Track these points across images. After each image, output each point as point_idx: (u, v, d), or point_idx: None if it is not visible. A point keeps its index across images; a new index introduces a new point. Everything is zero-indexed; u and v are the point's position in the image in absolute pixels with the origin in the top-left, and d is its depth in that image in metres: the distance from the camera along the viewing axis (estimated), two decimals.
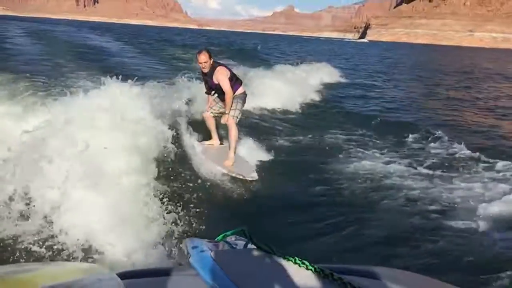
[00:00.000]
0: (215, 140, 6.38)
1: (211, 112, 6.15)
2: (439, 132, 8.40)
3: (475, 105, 14.85)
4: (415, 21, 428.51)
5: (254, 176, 5.39)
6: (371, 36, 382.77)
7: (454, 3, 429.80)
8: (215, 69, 5.68)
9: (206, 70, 5.69)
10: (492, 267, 3.59)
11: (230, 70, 5.92)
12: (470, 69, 34.53)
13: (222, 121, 5.86)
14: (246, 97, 6.00)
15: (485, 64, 44.37)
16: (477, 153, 6.99)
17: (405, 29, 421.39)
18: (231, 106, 5.69)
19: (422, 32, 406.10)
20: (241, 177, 5.34)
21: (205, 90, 6.18)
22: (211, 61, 5.67)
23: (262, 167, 5.92)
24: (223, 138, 6.53)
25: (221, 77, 5.65)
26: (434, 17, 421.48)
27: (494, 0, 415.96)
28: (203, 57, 5.59)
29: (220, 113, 6.10)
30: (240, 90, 5.86)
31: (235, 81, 5.82)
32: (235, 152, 5.79)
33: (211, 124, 6.27)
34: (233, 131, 5.74)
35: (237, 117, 5.80)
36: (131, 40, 38.14)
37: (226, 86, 5.63)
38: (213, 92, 6.02)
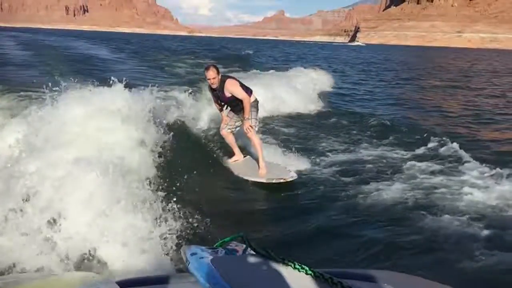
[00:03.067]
0: (238, 155, 6.29)
1: (228, 129, 6.11)
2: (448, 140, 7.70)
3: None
4: (404, 24, 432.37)
5: (293, 175, 5.41)
6: (361, 39, 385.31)
7: (441, 5, 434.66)
8: (224, 82, 5.62)
9: (215, 86, 5.64)
10: (492, 271, 3.56)
11: (238, 80, 5.89)
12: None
13: (245, 128, 5.72)
14: (258, 103, 5.95)
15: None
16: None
17: (394, 32, 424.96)
18: (249, 113, 5.65)
19: (411, 34, 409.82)
20: (282, 180, 5.34)
21: (216, 106, 6.12)
22: (219, 76, 5.61)
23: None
24: (243, 149, 6.53)
25: (234, 87, 5.62)
26: (422, 19, 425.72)
27: (481, 1, 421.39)
28: (211, 73, 5.52)
29: (236, 127, 6.10)
30: (251, 98, 5.81)
31: (245, 90, 5.76)
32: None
33: (231, 140, 6.22)
34: (256, 140, 5.74)
35: (255, 126, 5.78)
36: (129, 48, 37.98)
37: (241, 94, 5.61)
38: (225, 106, 5.98)
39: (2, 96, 7.47)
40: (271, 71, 14.61)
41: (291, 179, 5.37)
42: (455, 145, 7.26)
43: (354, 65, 34.62)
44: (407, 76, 26.47)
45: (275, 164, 5.95)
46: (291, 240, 4.10)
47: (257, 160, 5.82)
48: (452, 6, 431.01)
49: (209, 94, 6.76)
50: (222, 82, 5.63)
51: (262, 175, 5.57)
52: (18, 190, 3.55)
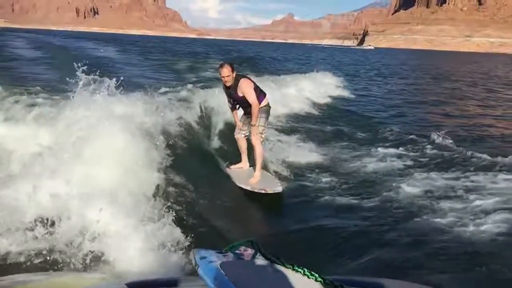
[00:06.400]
0: (244, 163, 6.10)
1: (242, 134, 5.96)
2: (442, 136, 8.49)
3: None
4: (412, 27, 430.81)
5: (278, 189, 5.32)
6: (369, 42, 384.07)
7: (451, 9, 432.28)
8: (238, 81, 5.46)
9: (229, 84, 5.50)
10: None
11: (253, 81, 5.68)
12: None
13: (251, 134, 5.61)
14: (270, 109, 5.75)
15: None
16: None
17: (402, 35, 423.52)
18: (256, 119, 5.51)
19: (420, 38, 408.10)
20: (263, 191, 5.29)
21: (228, 105, 5.97)
22: (234, 74, 5.46)
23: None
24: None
25: (246, 89, 5.44)
26: (431, 23, 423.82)
27: (490, 6, 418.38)
28: (226, 71, 5.37)
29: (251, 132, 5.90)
30: (264, 102, 5.62)
31: (259, 93, 5.58)
32: (261, 169, 5.66)
33: (243, 146, 6.06)
34: (258, 149, 5.61)
35: (261, 134, 5.60)
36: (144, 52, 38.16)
37: (252, 97, 5.44)
38: (237, 106, 5.84)
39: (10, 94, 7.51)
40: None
41: (271, 192, 5.27)
42: (396, 127, 9.70)
43: (341, 66, 35.72)
44: (378, 73, 30.16)
45: (269, 175, 5.86)
46: (301, 246, 4.07)
47: (256, 169, 5.68)
48: (461, 10, 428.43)
49: (218, 96, 6.65)
50: (237, 81, 5.50)
51: (250, 183, 5.47)
52: (26, 190, 3.57)
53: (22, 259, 3.14)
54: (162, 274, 3.00)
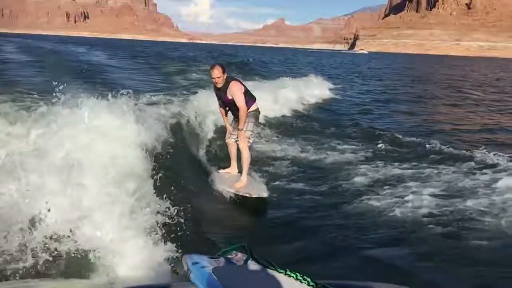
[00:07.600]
0: (233, 168, 6.07)
1: (233, 139, 5.91)
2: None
3: None
4: (403, 32, 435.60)
5: (263, 194, 5.30)
6: (360, 47, 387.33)
7: (440, 14, 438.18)
8: (229, 83, 5.46)
9: (219, 85, 5.46)
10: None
11: (244, 85, 5.67)
12: None
13: (238, 138, 5.60)
14: (259, 114, 5.75)
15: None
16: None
17: (393, 40, 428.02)
18: (244, 124, 5.51)
19: (410, 42, 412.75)
20: (247, 195, 5.27)
21: (219, 108, 5.97)
22: (225, 75, 5.45)
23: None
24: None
25: (236, 92, 5.43)
26: (421, 27, 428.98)
27: (479, 10, 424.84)
28: (217, 72, 5.37)
29: None
30: (253, 107, 5.63)
31: (249, 97, 5.58)
32: (248, 174, 5.63)
33: (233, 151, 6.03)
34: (245, 154, 5.58)
35: (248, 139, 5.60)
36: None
37: (240, 101, 5.44)
38: (227, 109, 5.83)
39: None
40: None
41: (256, 196, 5.26)
42: (362, 123, 10.52)
43: (325, 69, 36.28)
44: (359, 76, 31.39)
45: (255, 180, 5.80)
46: (292, 251, 4.05)
47: (242, 174, 5.66)
48: (451, 14, 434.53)
49: (208, 99, 6.58)
50: (227, 83, 5.49)
51: (236, 187, 5.45)
52: (21, 194, 3.53)
53: (14, 265, 3.09)
54: (154, 280, 2.97)
